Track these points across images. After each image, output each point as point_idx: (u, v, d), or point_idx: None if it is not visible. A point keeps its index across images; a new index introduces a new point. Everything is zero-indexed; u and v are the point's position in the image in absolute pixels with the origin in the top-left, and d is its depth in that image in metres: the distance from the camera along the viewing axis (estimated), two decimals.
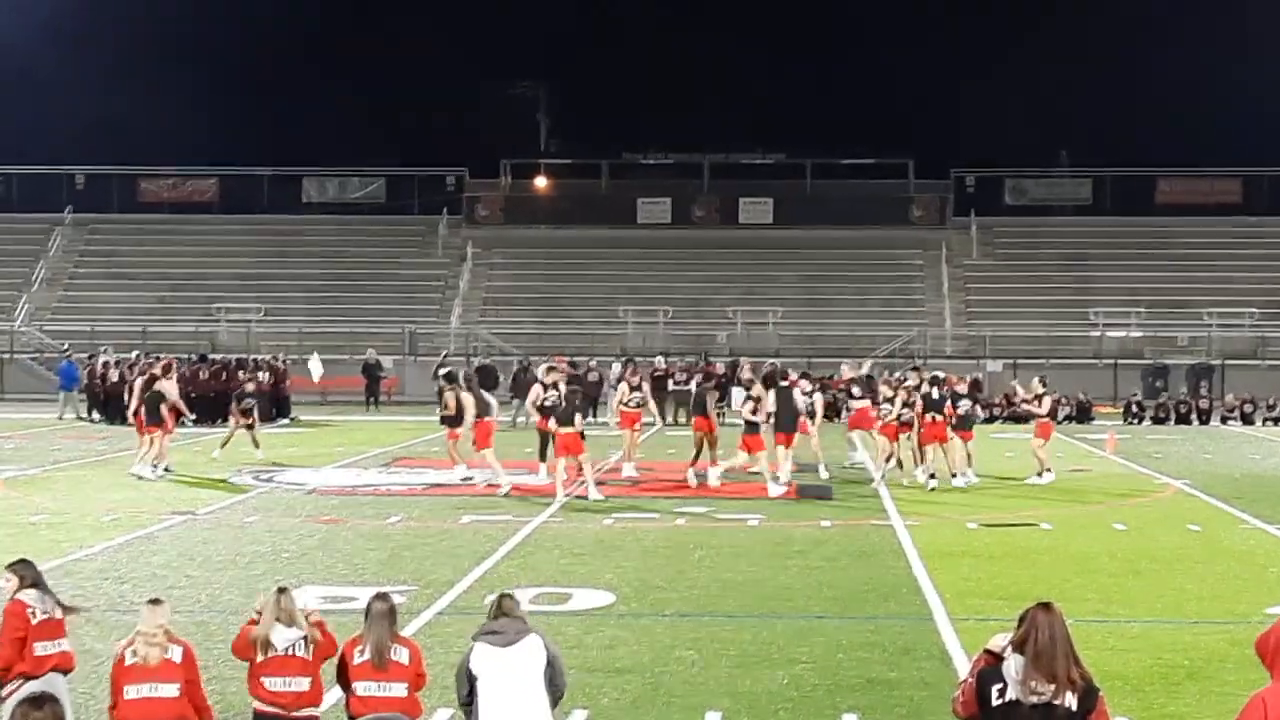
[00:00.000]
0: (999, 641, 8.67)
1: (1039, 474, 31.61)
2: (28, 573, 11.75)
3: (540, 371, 32.27)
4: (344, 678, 10.87)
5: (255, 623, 11.07)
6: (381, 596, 11.18)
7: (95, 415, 48.38)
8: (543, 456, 32.06)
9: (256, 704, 11.02)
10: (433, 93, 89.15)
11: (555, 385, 31.17)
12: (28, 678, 11.47)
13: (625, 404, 32.76)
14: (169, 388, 33.24)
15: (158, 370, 33.82)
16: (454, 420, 31.57)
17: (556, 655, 10.40)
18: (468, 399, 30.79)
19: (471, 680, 10.22)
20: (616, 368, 52.11)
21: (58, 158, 75.86)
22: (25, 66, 79.20)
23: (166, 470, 32.24)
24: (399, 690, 10.78)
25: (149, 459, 31.91)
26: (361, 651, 10.84)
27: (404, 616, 16.60)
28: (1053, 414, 33.76)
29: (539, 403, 30.70)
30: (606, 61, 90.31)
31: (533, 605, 17.46)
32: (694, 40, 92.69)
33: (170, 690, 10.61)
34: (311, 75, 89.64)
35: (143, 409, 32.44)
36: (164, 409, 32.32)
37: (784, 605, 18.12)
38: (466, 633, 15.75)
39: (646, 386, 32.87)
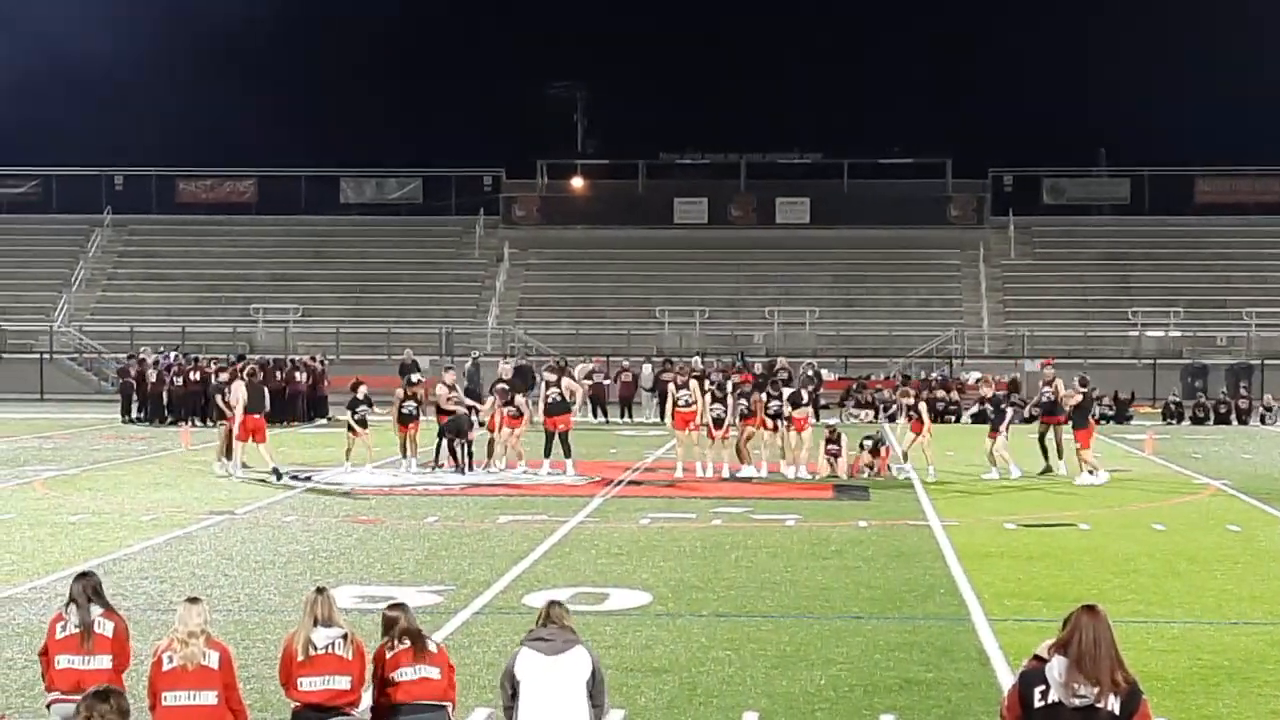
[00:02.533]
0: (1048, 646, 8.63)
1: (1090, 471, 31.56)
2: (74, 585, 11.69)
3: (546, 372, 33.94)
4: (380, 674, 10.89)
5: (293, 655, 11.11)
6: (399, 605, 11.22)
7: (138, 415, 48.51)
8: (547, 453, 32.48)
9: (295, 703, 11.05)
10: (469, 93, 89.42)
11: (558, 383, 32.98)
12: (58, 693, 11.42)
13: (677, 404, 32.98)
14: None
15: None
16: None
17: (600, 670, 10.39)
18: (238, 387, 32.40)
19: (514, 684, 10.22)
20: (648, 369, 52.19)
21: (97, 159, 76.25)
22: (65, 70, 79.73)
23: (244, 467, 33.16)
24: (434, 672, 10.86)
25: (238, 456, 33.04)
26: (392, 647, 10.89)
27: (441, 616, 16.70)
28: (1078, 410, 32.99)
29: (546, 400, 32.65)
30: (643, 62, 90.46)
31: (569, 605, 17.48)
32: (730, 40, 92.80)
33: (209, 697, 10.64)
34: (348, 77, 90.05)
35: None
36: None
37: (821, 606, 18.09)
38: (504, 632, 15.86)
39: (695, 384, 33.18)
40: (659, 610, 17.72)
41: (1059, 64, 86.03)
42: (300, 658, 10.93)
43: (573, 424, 33.58)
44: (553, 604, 10.65)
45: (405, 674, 10.85)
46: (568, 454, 32.30)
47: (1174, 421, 50.89)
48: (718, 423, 32.38)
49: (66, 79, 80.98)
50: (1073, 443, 32.23)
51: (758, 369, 51.43)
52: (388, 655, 10.91)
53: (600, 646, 15.26)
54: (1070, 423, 32.48)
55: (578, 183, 79.60)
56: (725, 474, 32.11)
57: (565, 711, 10.13)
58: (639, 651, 15.44)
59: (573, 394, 34.02)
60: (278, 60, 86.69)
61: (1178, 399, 53.34)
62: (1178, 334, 65.20)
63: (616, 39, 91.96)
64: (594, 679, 10.27)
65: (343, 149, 79.06)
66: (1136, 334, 65.12)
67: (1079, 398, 32.35)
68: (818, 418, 48.85)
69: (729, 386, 34.51)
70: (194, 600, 10.98)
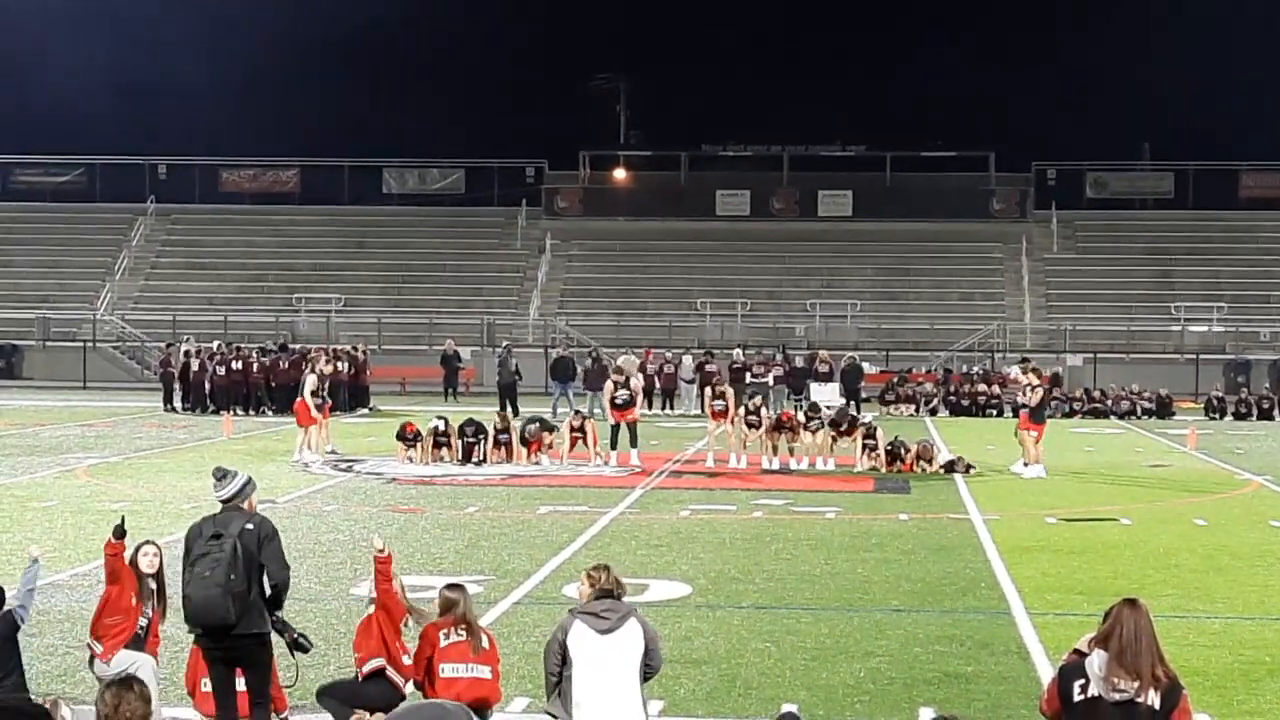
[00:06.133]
0: (1088, 640, 8.61)
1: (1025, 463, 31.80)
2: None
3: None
4: (430, 657, 10.90)
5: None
6: (459, 586, 11.26)
7: (181, 404, 48.58)
8: (614, 445, 32.77)
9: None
10: (512, 85, 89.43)
11: (627, 381, 33.64)
12: None
13: (714, 408, 33.90)
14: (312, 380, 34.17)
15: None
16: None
17: (654, 637, 10.42)
18: (311, 379, 33.88)
19: (565, 655, 10.21)
20: (688, 360, 52.17)
21: (140, 148, 76.55)
22: (108, 60, 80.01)
23: (332, 453, 34.00)
24: (485, 672, 10.86)
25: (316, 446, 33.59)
26: (447, 635, 10.89)
27: (481, 606, 16.69)
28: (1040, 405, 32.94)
29: (612, 397, 33.18)
30: (685, 54, 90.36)
31: None
32: (773, 32, 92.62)
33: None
34: (392, 67, 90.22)
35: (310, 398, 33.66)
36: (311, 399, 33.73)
37: (861, 598, 18.08)
38: (543, 623, 15.87)
39: (730, 393, 34.09)
40: (699, 602, 17.74)
41: (1103, 57, 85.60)
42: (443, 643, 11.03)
43: (638, 416, 34.25)
44: (601, 570, 10.62)
45: (459, 670, 10.85)
46: (634, 444, 32.80)
47: (1217, 417, 50.61)
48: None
49: (108, 69, 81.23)
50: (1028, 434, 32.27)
51: (798, 362, 51.46)
52: (442, 642, 10.90)
53: None
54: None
55: (620, 174, 79.57)
56: (765, 465, 32.29)
57: (619, 691, 10.14)
58: (678, 643, 15.43)
59: (637, 392, 34.89)
60: (320, 51, 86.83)
61: (1220, 394, 53.05)
62: (1221, 329, 64.81)
63: (659, 30, 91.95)
64: (648, 653, 10.30)
65: (385, 139, 79.24)
66: (1179, 329, 64.73)
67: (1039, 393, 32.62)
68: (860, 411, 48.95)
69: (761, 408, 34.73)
70: None
